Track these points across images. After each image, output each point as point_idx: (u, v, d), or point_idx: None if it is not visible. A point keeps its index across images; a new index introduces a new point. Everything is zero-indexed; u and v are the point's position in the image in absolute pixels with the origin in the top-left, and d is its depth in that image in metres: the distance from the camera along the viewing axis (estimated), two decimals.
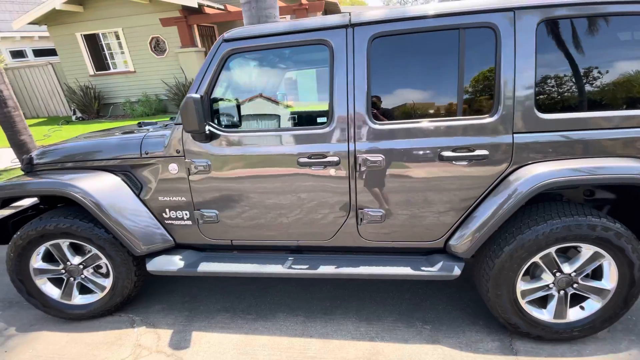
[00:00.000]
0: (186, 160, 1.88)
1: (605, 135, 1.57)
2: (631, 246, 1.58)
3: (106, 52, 9.97)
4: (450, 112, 1.66)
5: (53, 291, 2.16)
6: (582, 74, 1.56)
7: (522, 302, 1.77)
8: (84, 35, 9.63)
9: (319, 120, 1.82)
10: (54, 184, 1.91)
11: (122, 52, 9.82)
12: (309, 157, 1.75)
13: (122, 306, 2.22)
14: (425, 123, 1.65)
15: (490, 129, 1.61)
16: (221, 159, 1.85)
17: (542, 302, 1.81)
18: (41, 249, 2.05)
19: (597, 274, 1.72)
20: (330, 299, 2.28)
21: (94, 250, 2.05)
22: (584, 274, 1.72)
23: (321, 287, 2.40)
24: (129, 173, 2.02)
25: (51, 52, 11.99)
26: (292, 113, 1.82)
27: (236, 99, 1.99)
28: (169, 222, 2.04)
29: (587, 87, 1.58)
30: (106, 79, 10.04)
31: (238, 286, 2.46)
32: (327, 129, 1.73)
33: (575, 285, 1.74)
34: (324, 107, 1.69)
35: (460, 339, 1.90)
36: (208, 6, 8.99)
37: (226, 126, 1.93)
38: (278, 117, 1.84)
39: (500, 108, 1.59)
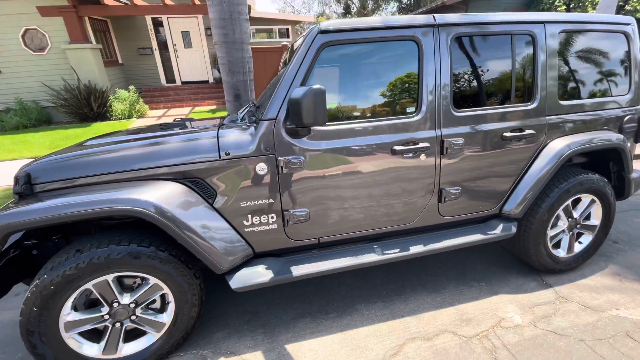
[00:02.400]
0: (278, 158, 1.74)
1: (591, 116, 2.24)
2: (607, 187, 2.29)
3: None
4: (505, 101, 2.05)
5: (91, 350, 1.63)
6: (584, 75, 2.19)
7: (550, 246, 2.32)
8: None
9: (398, 109, 1.94)
10: (115, 201, 1.47)
11: None
12: (403, 145, 1.87)
13: (181, 344, 1.84)
14: (491, 110, 2.00)
15: (533, 113, 2.07)
16: (316, 154, 1.78)
17: (557, 244, 2.40)
18: (75, 294, 1.53)
19: (588, 215, 2.41)
20: (391, 282, 2.42)
21: (152, 281, 1.66)
22: (584, 217, 2.38)
23: (375, 275, 2.51)
24: (198, 179, 1.71)
25: None
26: (369, 103, 1.89)
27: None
28: (250, 229, 1.82)
29: (586, 83, 2.22)
30: None
31: (293, 292, 2.34)
32: (416, 118, 1.88)
33: (578, 226, 2.39)
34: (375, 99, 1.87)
35: (510, 286, 2.33)
36: None
37: None
38: (366, 107, 1.89)
39: (537, 97, 2.07)
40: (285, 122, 1.72)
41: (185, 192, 1.66)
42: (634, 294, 2.19)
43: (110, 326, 1.64)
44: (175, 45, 10.70)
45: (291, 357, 1.82)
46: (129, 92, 8.64)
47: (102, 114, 8.19)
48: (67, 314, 1.54)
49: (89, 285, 1.53)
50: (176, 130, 1.94)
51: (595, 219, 2.41)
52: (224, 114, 8.80)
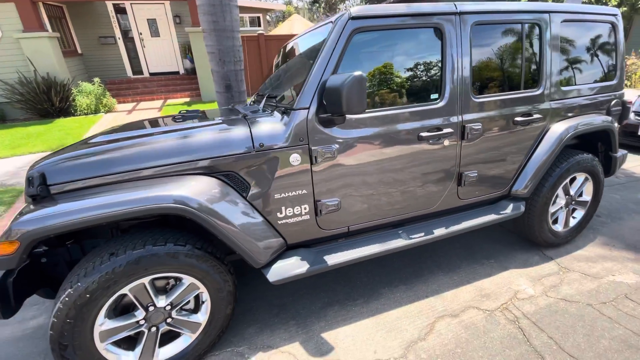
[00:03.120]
0: (312, 148, 1.71)
1: (587, 101, 2.42)
2: None
3: None
4: (516, 87, 2.16)
5: (127, 359, 1.54)
6: (580, 62, 2.35)
7: (550, 222, 2.51)
8: None
9: (422, 96, 1.97)
10: (155, 199, 1.37)
11: None
12: (428, 131, 1.92)
13: (217, 343, 1.79)
14: (506, 96, 2.10)
15: (540, 99, 2.20)
16: (347, 142, 1.77)
17: (555, 220, 2.60)
18: (110, 300, 1.43)
19: (581, 192, 2.62)
20: (407, 265, 2.50)
21: (188, 280, 1.59)
22: (578, 194, 2.59)
23: (392, 260, 2.58)
24: (232, 172, 1.64)
25: None
26: (394, 90, 1.91)
27: None
28: (284, 221, 1.78)
29: (582, 70, 2.38)
30: None
31: (315, 282, 2.35)
32: (440, 104, 1.93)
33: (573, 202, 2.60)
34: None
35: (517, 261, 2.50)
36: None
37: None
38: (392, 95, 1.90)
39: (544, 83, 2.20)
40: (317, 111, 1.69)
41: (221, 186, 1.60)
42: (624, 260, 2.44)
43: (146, 331, 1.56)
44: (141, 34, 10.01)
45: (329, 344, 1.84)
46: (93, 84, 7.99)
47: (65, 109, 7.53)
48: (102, 323, 1.44)
49: (125, 290, 1.44)
50: (199, 122, 1.84)
51: (587, 195, 2.63)
52: (200, 106, 8.43)
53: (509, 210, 2.31)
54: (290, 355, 1.79)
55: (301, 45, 2.22)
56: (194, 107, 8.47)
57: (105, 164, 1.50)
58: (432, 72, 1.93)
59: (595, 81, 2.46)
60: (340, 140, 1.76)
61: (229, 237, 1.55)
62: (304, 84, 1.70)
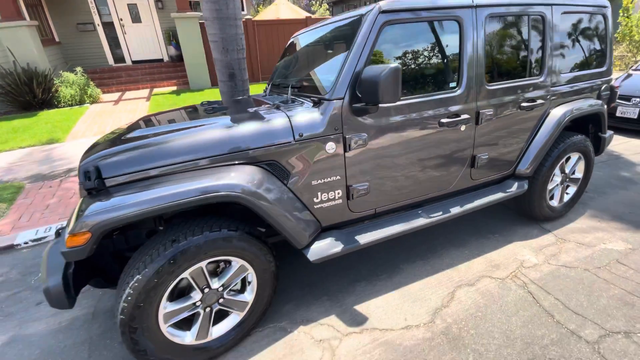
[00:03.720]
0: (346, 136, 1.83)
1: (581, 86, 2.64)
2: None
3: None
4: (522, 74, 2.33)
5: (186, 338, 1.66)
6: (576, 51, 2.54)
7: (548, 198, 2.76)
8: None
9: (442, 85, 2.11)
10: (215, 188, 1.47)
11: None
12: (448, 117, 2.08)
13: (261, 320, 1.93)
14: (514, 83, 2.27)
15: (542, 85, 2.39)
16: (377, 130, 1.90)
17: (551, 196, 2.86)
18: (172, 284, 1.53)
19: (574, 171, 2.88)
20: (421, 243, 2.70)
21: (238, 263, 1.71)
22: (572, 172, 2.84)
23: (407, 239, 2.77)
24: (274, 162, 1.74)
25: None
26: (418, 79, 2.03)
27: None
28: (319, 206, 1.91)
29: (578, 58, 2.58)
30: None
31: (338, 263, 2.51)
32: (458, 92, 2.08)
33: (567, 180, 2.85)
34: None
35: (518, 234, 2.75)
36: None
37: None
38: (416, 83, 2.03)
39: (546, 70, 2.39)
40: (351, 101, 1.80)
41: (266, 174, 1.70)
42: (613, 230, 2.73)
43: (202, 312, 1.68)
44: (121, 20, 9.58)
45: (363, 315, 2.02)
46: (76, 74, 7.67)
47: (48, 100, 7.22)
48: (165, 307, 1.54)
49: (186, 274, 1.54)
50: (238, 114, 1.91)
51: (579, 173, 2.90)
52: (190, 95, 8.26)
53: (514, 188, 2.53)
54: (329, 326, 1.95)
55: (324, 37, 2.30)
56: (183, 96, 8.31)
57: (156, 156, 1.57)
58: (451, 61, 2.06)
59: (588, 68, 2.67)
60: (371, 128, 1.89)
61: (277, 221, 1.67)
62: (339, 75, 1.80)
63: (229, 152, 1.65)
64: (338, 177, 1.90)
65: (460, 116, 2.10)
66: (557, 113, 2.49)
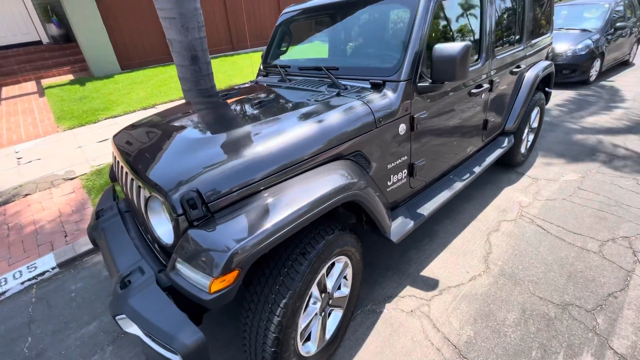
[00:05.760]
0: (414, 116, 1.87)
1: (542, 50, 3.15)
2: None
3: None
4: (512, 44, 2.67)
5: (312, 348, 1.60)
6: (537, 20, 2.99)
7: (522, 146, 3.33)
8: None
9: None
10: (341, 188, 1.38)
11: None
12: (476, 88, 2.28)
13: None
14: (510, 52, 2.59)
15: (522, 52, 2.79)
16: (432, 106, 1.99)
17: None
18: (305, 300, 1.42)
19: (533, 121, 3.51)
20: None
21: (343, 260, 1.68)
22: (533, 122, 3.46)
23: None
24: (359, 152, 1.68)
25: None
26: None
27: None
28: (390, 188, 1.95)
29: (539, 26, 3.04)
30: None
31: (375, 241, 2.63)
32: (480, 64, 2.29)
33: (531, 129, 3.47)
34: None
35: (505, 181, 3.28)
36: None
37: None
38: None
39: (524, 39, 2.78)
40: (415, 81, 1.83)
41: (356, 167, 1.64)
42: (562, 165, 3.48)
43: (320, 317, 1.62)
44: None
45: (432, 278, 2.22)
46: None
47: None
48: (301, 324, 1.44)
49: (314, 285, 1.45)
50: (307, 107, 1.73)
51: (536, 123, 3.54)
52: (99, 84, 6.80)
53: (505, 143, 2.97)
54: (411, 297, 2.10)
55: (359, 14, 2.17)
56: (90, 86, 6.84)
57: (255, 166, 1.36)
58: (477, 35, 2.23)
59: (542, 34, 3.20)
60: (428, 105, 1.96)
61: (375, 211, 1.66)
62: (404, 55, 1.79)
63: (323, 148, 1.53)
64: (405, 157, 1.96)
65: (482, 86, 2.33)
66: (530, 75, 2.96)
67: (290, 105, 1.80)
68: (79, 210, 3.24)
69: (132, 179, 1.52)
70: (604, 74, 6.69)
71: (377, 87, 1.84)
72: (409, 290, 2.15)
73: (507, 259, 2.32)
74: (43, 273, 2.47)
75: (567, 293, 2.03)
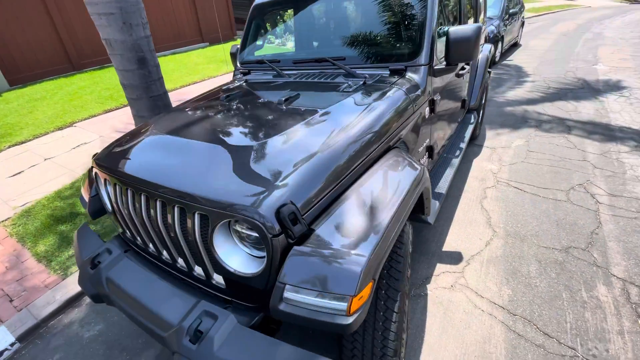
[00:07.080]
0: (434, 98, 1.91)
1: (487, 35, 3.56)
2: None
3: None
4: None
5: None
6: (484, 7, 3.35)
7: (479, 120, 3.74)
8: None
9: None
10: (418, 181, 1.33)
11: None
12: (461, 69, 2.46)
13: None
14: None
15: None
16: (440, 89, 2.07)
17: None
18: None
19: None
20: None
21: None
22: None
23: None
24: (402, 140, 1.65)
25: None
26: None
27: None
28: None
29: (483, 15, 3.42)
30: None
31: None
32: None
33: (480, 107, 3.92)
34: None
35: (470, 154, 3.65)
36: None
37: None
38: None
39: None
40: (431, 64, 1.87)
41: (407, 155, 1.62)
42: (507, 133, 4.02)
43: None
44: None
45: (455, 252, 2.34)
46: None
47: None
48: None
49: None
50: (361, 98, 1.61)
51: (483, 100, 4.01)
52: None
53: (473, 119, 3.30)
54: (446, 272, 2.18)
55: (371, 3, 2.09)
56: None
57: (329, 167, 1.23)
58: (464, 17, 2.39)
59: (485, 21, 3.62)
60: (439, 87, 2.04)
61: (429, 198, 1.66)
62: (422, 41, 1.80)
63: (383, 138, 1.46)
64: (428, 140, 2.01)
65: (465, 68, 2.53)
66: (483, 57, 3.33)
67: (325, 99, 1.66)
68: (15, 265, 2.51)
69: (162, 205, 1.22)
70: (503, 54, 7.96)
71: (399, 73, 1.83)
72: (440, 267, 2.23)
73: (506, 220, 2.59)
74: (1, 354, 1.84)
75: (562, 238, 2.36)
